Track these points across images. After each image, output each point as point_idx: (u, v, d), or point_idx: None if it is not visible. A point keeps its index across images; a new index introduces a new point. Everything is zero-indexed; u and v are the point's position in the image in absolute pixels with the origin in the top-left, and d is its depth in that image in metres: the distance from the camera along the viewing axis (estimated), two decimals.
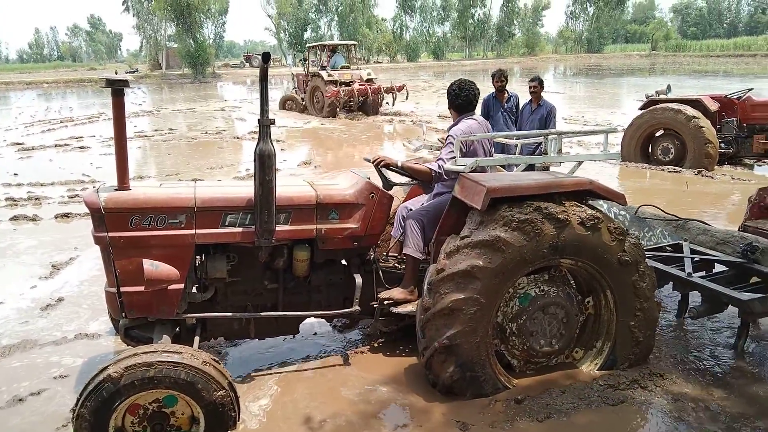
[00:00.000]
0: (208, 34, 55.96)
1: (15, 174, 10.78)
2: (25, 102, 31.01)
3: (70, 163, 11.95)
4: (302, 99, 20.84)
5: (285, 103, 21.76)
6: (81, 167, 11.39)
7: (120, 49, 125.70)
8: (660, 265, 4.15)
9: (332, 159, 12.77)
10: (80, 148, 14.02)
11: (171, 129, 17.45)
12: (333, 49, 21.66)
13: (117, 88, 3.18)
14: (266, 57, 3.22)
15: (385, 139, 15.74)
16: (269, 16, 68.89)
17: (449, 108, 4.31)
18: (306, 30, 71.09)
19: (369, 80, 19.99)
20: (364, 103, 19.75)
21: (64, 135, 16.24)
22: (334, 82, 19.04)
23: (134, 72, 56.38)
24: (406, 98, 20.30)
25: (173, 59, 58.23)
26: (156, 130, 17.18)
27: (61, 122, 19.60)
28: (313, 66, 20.99)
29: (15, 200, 8.78)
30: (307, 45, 24.06)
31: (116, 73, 3.91)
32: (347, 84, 19.24)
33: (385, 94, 19.97)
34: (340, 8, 70.41)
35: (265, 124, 3.33)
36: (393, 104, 20.11)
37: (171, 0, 47.48)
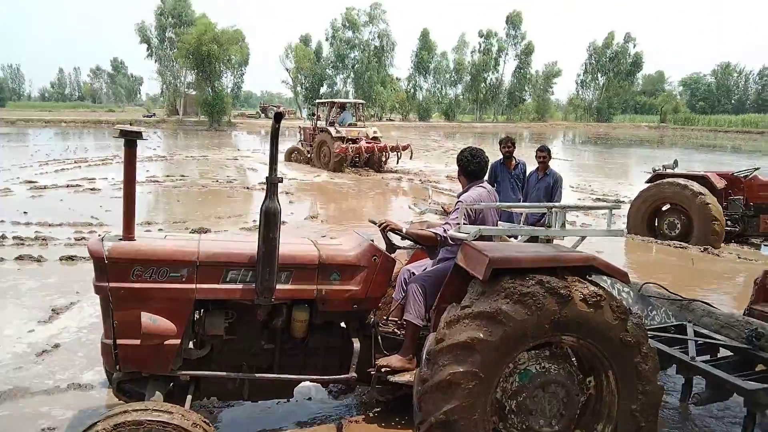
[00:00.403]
0: (226, 84, 57.35)
1: (25, 212, 10.88)
2: (42, 140, 31.57)
3: (80, 205, 12.06)
4: (308, 151, 21.65)
5: (291, 155, 22.53)
6: (90, 209, 11.48)
7: (139, 93, 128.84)
8: (663, 347, 4.08)
9: (339, 214, 12.84)
10: (91, 189, 14.19)
11: (183, 175, 17.66)
12: (342, 107, 22.51)
13: (130, 139, 3.23)
14: (278, 117, 3.28)
15: (393, 196, 15.85)
16: (287, 70, 70.84)
17: (459, 175, 4.36)
18: (322, 85, 72.81)
19: (375, 138, 20.67)
20: (370, 160, 20.38)
21: (77, 176, 16.46)
22: (342, 139, 19.71)
23: (151, 116, 57.70)
24: (411, 157, 20.93)
25: (190, 106, 59.55)
26: (168, 176, 17.39)
27: (75, 162, 19.92)
28: (320, 121, 21.78)
29: (22, 239, 8.83)
30: (316, 101, 24.86)
31: (131, 124, 4.01)
32: (354, 141, 19.89)
33: (390, 153, 20.56)
34: (356, 66, 72.21)
35: (273, 183, 3.35)
36: (398, 162, 20.76)
37: (192, 49, 48.76)
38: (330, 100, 24.17)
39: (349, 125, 21.16)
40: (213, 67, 50.98)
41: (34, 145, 28.35)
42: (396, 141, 21.13)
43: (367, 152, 19.97)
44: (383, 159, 20.71)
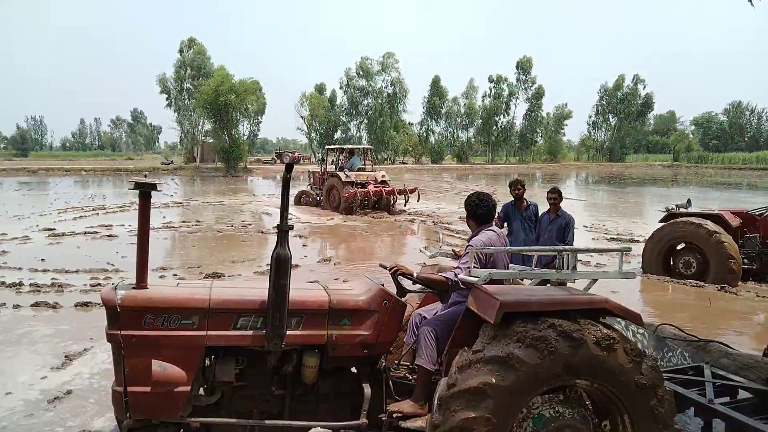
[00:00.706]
0: (243, 131, 58.33)
1: (42, 260, 11.01)
2: (62, 188, 32.17)
3: (97, 251, 12.19)
4: (317, 194, 22.43)
5: (300, 198, 23.13)
6: (107, 256, 11.60)
7: (158, 141, 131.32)
8: (680, 389, 3.99)
9: (352, 256, 12.83)
10: (108, 236, 14.36)
11: (198, 221, 17.84)
12: (351, 152, 23.28)
13: (144, 191, 3.30)
14: (289, 168, 3.35)
15: (405, 239, 15.83)
16: (302, 117, 71.76)
17: (468, 219, 4.38)
18: (336, 131, 73.72)
19: (383, 182, 21.42)
20: (378, 203, 20.95)
21: (94, 223, 16.69)
22: (351, 183, 20.41)
23: (169, 164, 58.70)
24: (418, 200, 21.59)
25: (208, 153, 60.62)
26: (184, 222, 17.58)
27: (93, 210, 20.22)
28: (330, 165, 22.66)
29: (39, 286, 8.92)
30: (326, 147, 25.51)
31: (145, 176, 4.12)
32: (363, 185, 20.59)
33: (398, 196, 21.22)
34: (370, 112, 73.22)
35: (283, 230, 3.40)
36: (405, 205, 21.39)
37: (210, 99, 49.86)
38: (339, 146, 25.02)
39: (358, 170, 21.90)
40: (230, 116, 52.00)
41: (54, 193, 28.90)
42: (404, 184, 22.01)
43: (375, 196, 20.60)
44: (391, 202, 21.27)
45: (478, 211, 4.26)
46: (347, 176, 20.61)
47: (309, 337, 3.62)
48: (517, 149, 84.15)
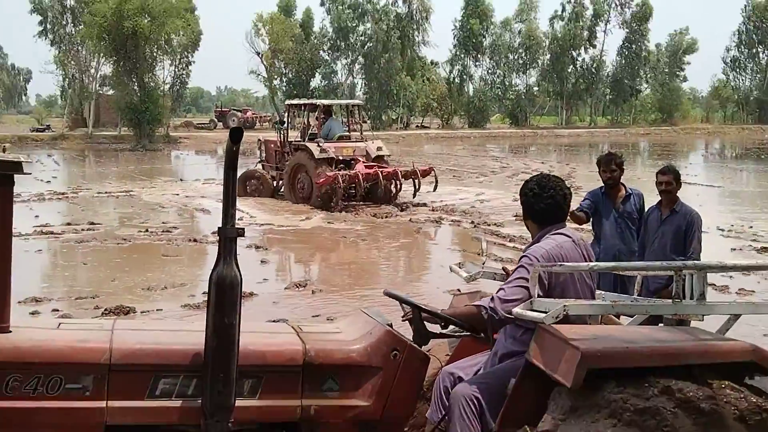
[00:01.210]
0: (163, 78, 58.62)
1: None
2: None
3: None
4: (273, 177, 22.11)
5: (246, 183, 22.28)
6: None
7: (26, 94, 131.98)
8: None
9: (341, 279, 12.86)
10: None
11: (92, 223, 17.89)
12: (327, 111, 22.82)
13: (2, 175, 3.28)
14: (236, 135, 3.21)
15: (427, 247, 15.88)
16: (258, 54, 71.68)
17: (525, 219, 4.37)
18: (314, 75, 73.76)
19: (379, 157, 21.19)
20: (371, 192, 20.82)
21: None
22: (329, 161, 19.98)
23: (44, 130, 58.98)
24: (435, 188, 21.24)
25: (106, 113, 60.84)
26: (69, 224, 17.65)
27: None
28: (294, 130, 22.69)
29: None
30: (286, 103, 25.43)
31: (4, 150, 4.01)
32: (347, 164, 20.39)
33: (403, 180, 20.84)
34: (368, 45, 72.87)
35: (229, 237, 3.37)
36: (415, 195, 21.12)
37: (109, 25, 49.75)
38: (309, 101, 24.68)
39: (339, 139, 21.54)
40: (141, 53, 52.08)
41: None
42: (412, 162, 21.44)
43: (367, 180, 20.09)
44: (393, 190, 21.07)
45: (537, 205, 4.23)
46: (322, 149, 20.04)
47: (272, 409, 3.65)
48: (608, 104, 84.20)
